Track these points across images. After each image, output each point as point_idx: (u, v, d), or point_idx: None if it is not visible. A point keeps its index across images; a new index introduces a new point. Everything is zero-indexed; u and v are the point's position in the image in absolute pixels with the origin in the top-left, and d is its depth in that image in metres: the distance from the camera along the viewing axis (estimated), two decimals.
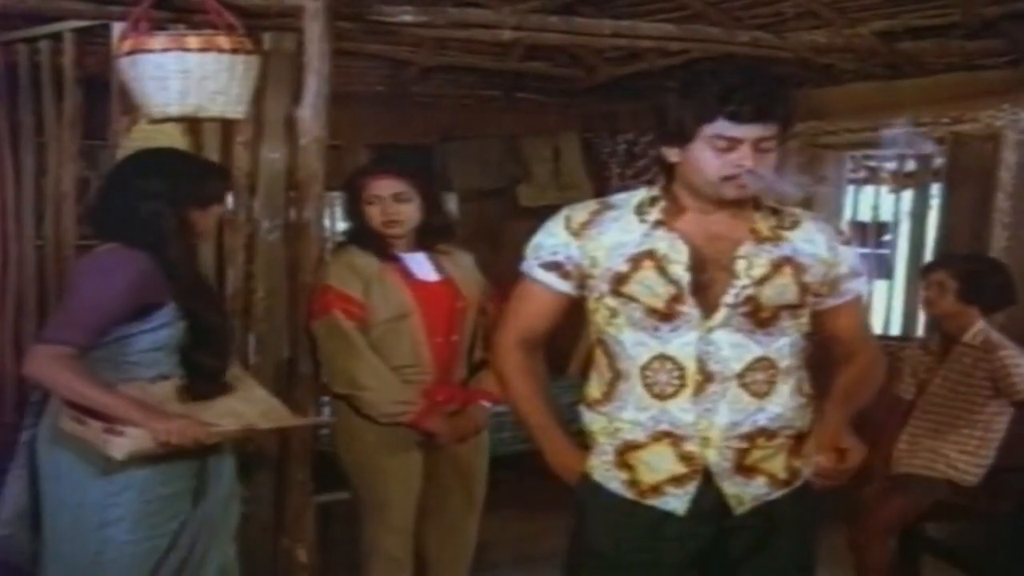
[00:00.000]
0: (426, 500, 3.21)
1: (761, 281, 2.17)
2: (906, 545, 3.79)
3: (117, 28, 3.15)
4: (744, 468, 2.18)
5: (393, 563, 3.18)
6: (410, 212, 3.11)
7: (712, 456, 2.16)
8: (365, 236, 3.15)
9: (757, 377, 2.18)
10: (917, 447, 3.74)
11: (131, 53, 2.77)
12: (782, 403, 2.20)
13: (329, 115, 3.13)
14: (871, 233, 6.74)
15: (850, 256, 2.29)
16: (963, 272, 3.71)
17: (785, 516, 2.24)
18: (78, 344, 2.43)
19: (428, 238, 3.18)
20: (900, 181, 6.17)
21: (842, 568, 3.79)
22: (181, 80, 2.72)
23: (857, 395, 2.27)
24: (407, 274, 3.13)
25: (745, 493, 2.19)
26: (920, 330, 5.45)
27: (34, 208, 4.05)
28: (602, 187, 6.33)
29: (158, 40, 2.75)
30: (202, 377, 2.59)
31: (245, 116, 2.99)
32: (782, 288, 2.18)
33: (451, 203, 6.04)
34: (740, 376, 2.16)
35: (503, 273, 3.25)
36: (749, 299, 2.16)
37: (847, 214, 6.12)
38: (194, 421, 2.46)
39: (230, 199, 3.31)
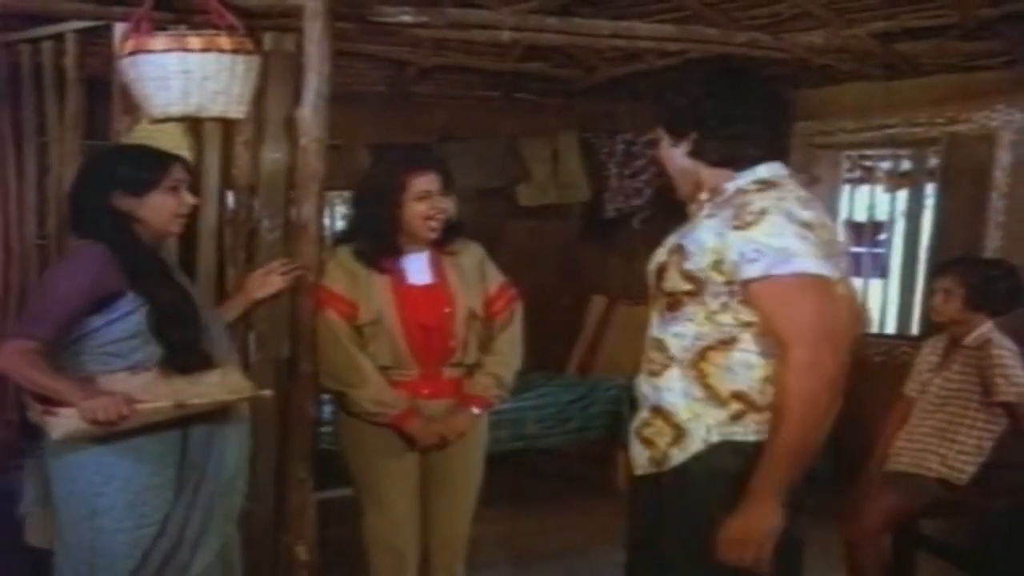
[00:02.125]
0: (422, 494, 3.24)
1: (661, 268, 2.35)
2: (900, 542, 3.81)
3: (119, 29, 3.15)
4: (642, 437, 2.38)
5: (395, 556, 3.21)
6: (449, 206, 3.15)
7: (636, 420, 2.42)
8: (374, 235, 3.13)
9: (653, 356, 2.36)
10: (914, 445, 3.76)
11: (133, 53, 2.77)
12: (671, 389, 2.31)
13: (329, 115, 3.13)
14: (867, 232, 6.77)
15: (740, 242, 2.20)
16: (970, 279, 3.71)
17: (665, 494, 2.34)
18: (42, 338, 2.53)
19: (444, 235, 3.17)
20: (895, 181, 6.20)
21: (836, 565, 3.83)
22: (182, 80, 2.73)
23: (778, 450, 2.18)
24: (398, 275, 3.14)
25: (637, 458, 2.40)
26: (915, 329, 5.49)
27: (37, 207, 4.07)
28: (600, 186, 6.37)
29: (159, 41, 2.75)
30: (178, 351, 2.64)
31: (246, 116, 3.00)
32: (671, 274, 2.31)
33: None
34: (647, 354, 2.38)
35: (503, 271, 3.28)
36: (655, 283, 2.37)
37: (843, 214, 6.15)
38: (120, 398, 2.49)
39: (231, 198, 3.34)
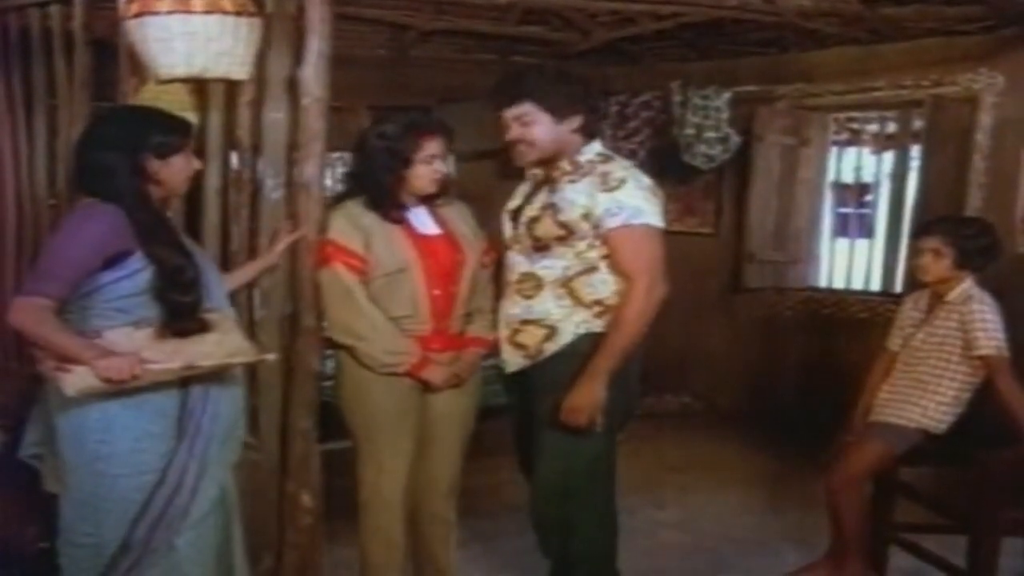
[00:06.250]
0: (420, 439, 3.31)
1: (533, 220, 3.07)
2: (880, 488, 3.89)
3: None
4: (514, 343, 3.14)
5: (391, 509, 3.28)
6: (448, 168, 3.27)
7: (501, 330, 3.19)
8: (377, 194, 3.20)
9: (525, 285, 3.11)
10: (896, 396, 3.84)
11: (138, 15, 2.77)
12: (544, 303, 3.07)
13: (330, 76, 3.14)
14: (853, 194, 6.83)
15: (606, 201, 2.96)
16: (958, 238, 3.76)
17: (536, 378, 3.12)
18: (53, 295, 2.58)
19: (433, 193, 3.27)
20: (881, 143, 6.26)
21: (818, 511, 3.95)
22: (186, 42, 2.73)
23: (612, 345, 2.97)
24: (409, 228, 3.21)
25: (511, 359, 3.17)
26: (899, 287, 5.58)
27: (47, 168, 4.07)
28: None
29: (163, 2, 2.74)
30: (178, 315, 2.70)
31: (249, 77, 3.00)
32: (544, 224, 3.03)
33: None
34: (518, 284, 3.12)
35: (500, 231, 3.39)
36: (527, 232, 3.08)
37: (831, 175, 6.21)
38: (133, 358, 2.56)
39: (235, 158, 3.40)
